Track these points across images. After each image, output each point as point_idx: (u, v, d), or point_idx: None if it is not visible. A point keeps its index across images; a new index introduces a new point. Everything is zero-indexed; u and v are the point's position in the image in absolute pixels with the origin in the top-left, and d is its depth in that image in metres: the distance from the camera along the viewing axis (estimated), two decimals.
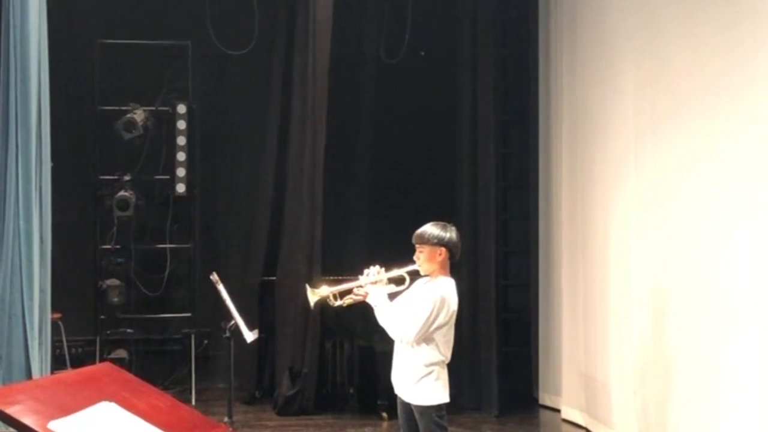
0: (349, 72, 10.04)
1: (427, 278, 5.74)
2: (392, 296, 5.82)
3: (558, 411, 9.30)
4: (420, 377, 5.61)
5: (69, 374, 7.46)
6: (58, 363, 8.99)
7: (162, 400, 5.80)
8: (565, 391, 9.16)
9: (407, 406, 5.73)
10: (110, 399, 5.21)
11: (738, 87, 6.61)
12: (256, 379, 9.60)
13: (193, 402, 9.40)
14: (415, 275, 5.81)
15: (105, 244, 9.91)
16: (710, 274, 6.85)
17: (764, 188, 6.28)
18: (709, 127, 6.94)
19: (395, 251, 6.00)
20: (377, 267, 5.85)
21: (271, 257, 9.60)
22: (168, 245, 10.10)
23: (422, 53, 10.08)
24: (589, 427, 8.72)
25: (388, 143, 10.29)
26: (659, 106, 7.60)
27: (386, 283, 5.83)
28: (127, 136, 9.67)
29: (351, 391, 9.47)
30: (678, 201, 7.31)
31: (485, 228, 9.51)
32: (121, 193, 9.69)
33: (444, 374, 5.69)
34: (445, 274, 5.72)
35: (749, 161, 6.45)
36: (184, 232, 10.18)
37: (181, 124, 9.92)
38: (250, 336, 6.33)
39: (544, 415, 9.47)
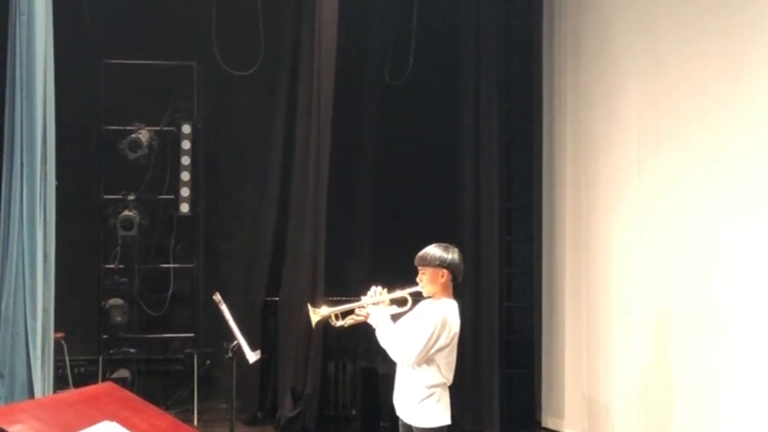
0: (354, 93, 10.07)
1: (430, 300, 5.74)
2: (395, 318, 5.81)
3: None
4: (421, 399, 5.60)
5: (71, 394, 7.47)
6: (60, 382, 8.97)
7: (164, 420, 5.81)
8: (567, 414, 9.14)
9: (409, 428, 5.71)
10: (112, 419, 5.22)
11: (740, 106, 6.66)
12: (258, 399, 9.59)
13: (195, 422, 9.40)
14: (417, 297, 5.81)
15: (108, 264, 9.92)
16: (712, 293, 6.86)
17: (766, 204, 6.31)
18: (712, 145, 6.97)
19: (398, 272, 6.00)
20: (379, 288, 5.85)
21: (274, 277, 9.61)
22: (171, 265, 10.10)
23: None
24: None
25: (392, 164, 10.30)
26: (662, 126, 7.64)
27: (388, 304, 5.82)
28: (131, 155, 9.71)
29: (353, 412, 9.45)
30: (681, 221, 7.32)
31: (488, 249, 9.52)
32: (125, 212, 9.72)
33: (446, 396, 5.68)
34: (447, 296, 5.71)
35: (752, 177, 6.47)
36: (188, 252, 10.19)
37: (186, 144, 9.96)
38: (252, 356, 6.33)
39: None
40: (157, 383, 9.95)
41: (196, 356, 9.87)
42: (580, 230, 8.99)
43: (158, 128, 10.00)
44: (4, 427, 4.80)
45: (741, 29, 6.68)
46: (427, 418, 5.62)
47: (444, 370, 5.62)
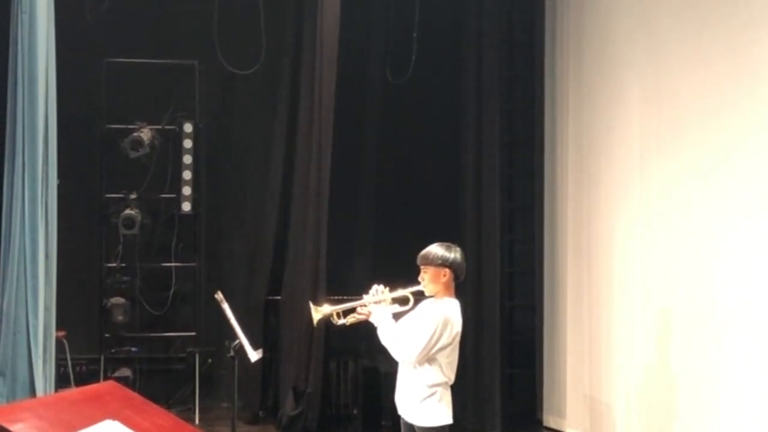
0: (355, 92, 10.07)
1: (432, 299, 5.74)
2: (397, 317, 5.82)
3: None
4: (423, 398, 5.60)
5: (73, 392, 7.48)
6: (62, 381, 8.97)
7: (165, 419, 5.82)
8: (569, 413, 9.14)
9: (411, 427, 5.72)
10: (114, 417, 5.23)
11: (741, 107, 6.66)
12: (260, 398, 9.59)
13: (197, 421, 9.39)
14: (419, 296, 5.81)
15: (110, 263, 9.92)
16: (713, 293, 6.85)
17: (766, 205, 6.31)
18: (712, 146, 6.96)
19: (400, 271, 6.00)
20: (381, 286, 5.86)
21: (276, 276, 9.61)
22: (173, 264, 10.10)
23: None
24: None
25: (394, 163, 10.30)
26: (665, 126, 7.63)
27: (390, 303, 5.82)
28: (133, 154, 9.70)
29: (355, 411, 9.45)
30: (682, 221, 7.32)
31: (490, 249, 9.51)
32: (127, 211, 9.72)
33: (447, 395, 5.68)
34: (449, 295, 5.71)
35: (753, 178, 6.47)
36: (190, 251, 10.18)
37: (188, 143, 9.95)
38: (254, 355, 6.33)
39: None
40: (159, 382, 9.95)
41: (197, 355, 9.86)
42: (581, 230, 8.98)
43: (160, 127, 10.00)
44: (6, 425, 4.81)
45: (744, 31, 6.68)
46: (429, 417, 5.62)
47: (446, 369, 5.63)
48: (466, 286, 7.80)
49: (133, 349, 9.90)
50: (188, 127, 9.96)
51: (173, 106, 10.13)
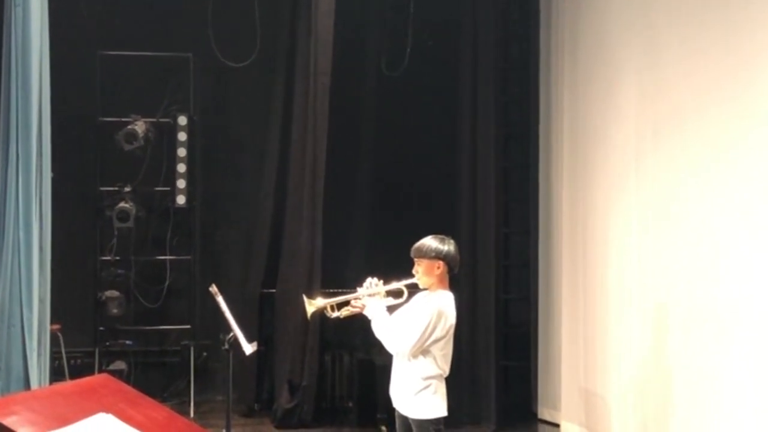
0: (350, 84, 10.05)
1: (426, 292, 5.73)
2: (391, 309, 5.81)
3: (557, 426, 9.27)
4: (418, 390, 5.60)
5: (67, 385, 7.46)
6: (56, 374, 8.97)
7: (160, 412, 5.81)
8: (564, 406, 9.14)
9: (405, 420, 5.72)
10: (107, 410, 5.22)
11: (737, 99, 6.64)
12: (255, 391, 9.59)
13: (192, 414, 9.40)
14: (413, 288, 5.81)
15: (105, 256, 9.92)
16: (711, 288, 6.84)
17: (765, 200, 6.29)
18: (710, 139, 6.95)
19: (395, 264, 5.99)
20: (375, 279, 5.85)
21: (271, 269, 9.60)
22: (168, 257, 10.10)
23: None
24: None
25: (389, 156, 10.28)
26: (660, 119, 7.62)
27: (384, 296, 5.82)
28: (127, 147, 9.69)
29: (350, 404, 9.46)
30: (679, 214, 7.31)
31: (485, 241, 9.51)
32: (122, 204, 9.71)
33: (442, 388, 5.68)
34: (443, 288, 5.71)
35: (751, 173, 6.46)
36: (184, 244, 10.18)
37: (182, 136, 9.94)
38: (249, 348, 6.32)
39: (543, 429, 9.44)
40: (154, 375, 9.97)
41: (192, 348, 9.87)
42: (577, 223, 8.97)
43: (154, 120, 9.99)
44: (0, 418, 4.80)
45: (741, 24, 6.66)
46: (424, 410, 5.62)
47: (440, 362, 5.62)
48: (461, 278, 7.80)
49: (128, 342, 9.91)
50: (183, 120, 9.94)
51: (168, 98, 10.12)
